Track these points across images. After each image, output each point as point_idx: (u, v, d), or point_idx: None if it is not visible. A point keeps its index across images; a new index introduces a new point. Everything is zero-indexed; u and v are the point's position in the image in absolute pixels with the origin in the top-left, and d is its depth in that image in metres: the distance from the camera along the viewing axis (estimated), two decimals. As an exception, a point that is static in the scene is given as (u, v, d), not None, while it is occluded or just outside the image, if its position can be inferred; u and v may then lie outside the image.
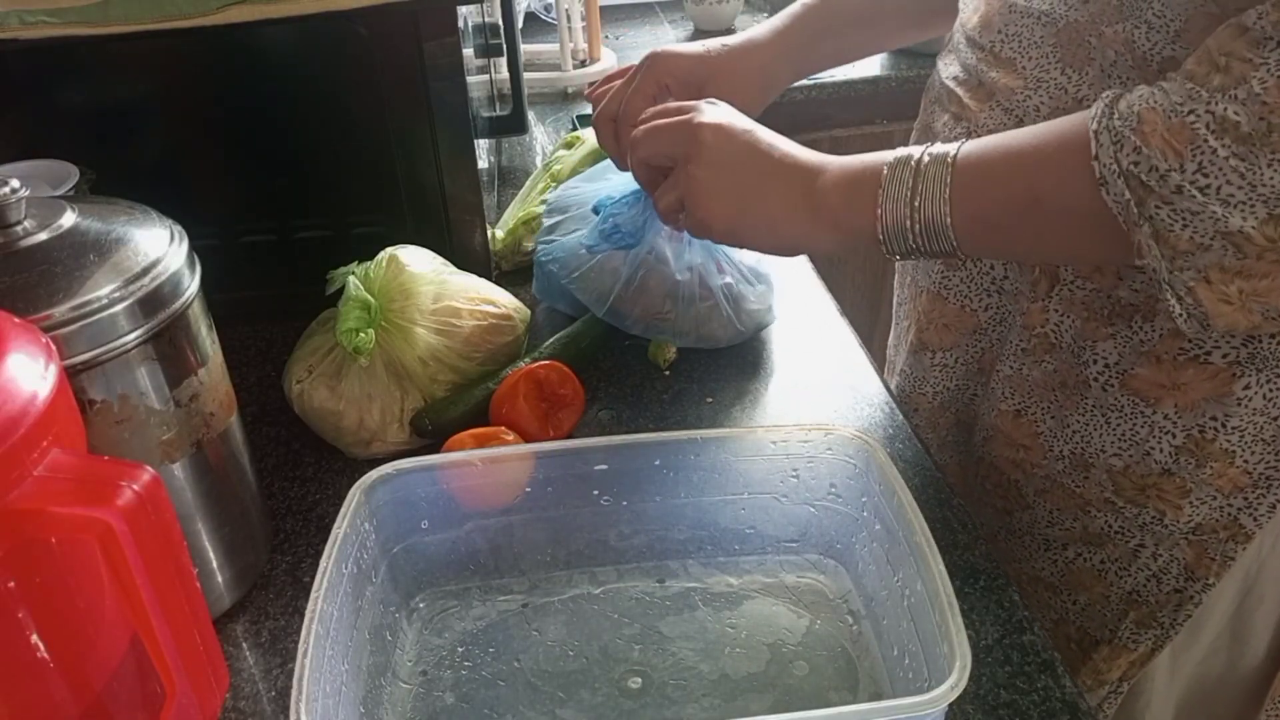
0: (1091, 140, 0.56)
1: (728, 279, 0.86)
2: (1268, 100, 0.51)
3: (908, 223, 0.62)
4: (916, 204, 0.62)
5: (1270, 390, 0.67)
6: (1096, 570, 0.79)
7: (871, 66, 1.66)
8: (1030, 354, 0.76)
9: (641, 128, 0.72)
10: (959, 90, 0.77)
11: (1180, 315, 0.57)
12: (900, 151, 0.64)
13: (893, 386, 1.00)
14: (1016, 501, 0.82)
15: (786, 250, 0.71)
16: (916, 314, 0.86)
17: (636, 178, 0.76)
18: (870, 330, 1.82)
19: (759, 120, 0.71)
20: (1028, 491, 0.80)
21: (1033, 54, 0.70)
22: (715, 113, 0.70)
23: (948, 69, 0.80)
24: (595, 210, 0.86)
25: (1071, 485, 0.77)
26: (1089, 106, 0.64)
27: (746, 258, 0.89)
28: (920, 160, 0.62)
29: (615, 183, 0.88)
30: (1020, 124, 0.70)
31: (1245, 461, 0.70)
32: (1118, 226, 0.57)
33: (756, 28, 0.87)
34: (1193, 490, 0.72)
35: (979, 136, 0.69)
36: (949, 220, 0.61)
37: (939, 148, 0.62)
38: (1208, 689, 0.84)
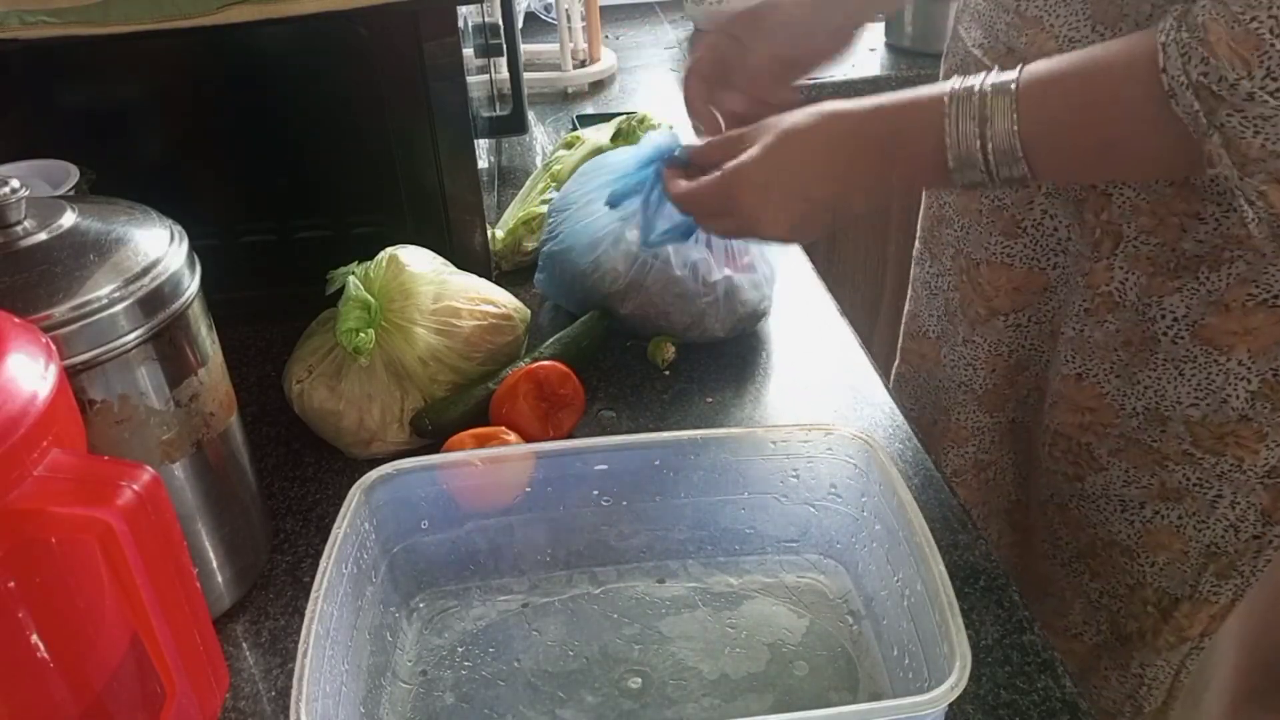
0: (1159, 53, 0.56)
1: (727, 272, 0.86)
2: None
3: (979, 157, 0.62)
4: (987, 138, 0.61)
5: None
6: (1174, 526, 0.79)
7: (872, 66, 1.66)
8: (1093, 314, 0.76)
9: (682, 188, 0.73)
10: (986, 60, 0.76)
11: (1253, 220, 0.57)
12: (955, 84, 0.63)
13: (893, 373, 1.00)
14: (1089, 465, 0.82)
15: (857, 212, 0.70)
16: (977, 285, 0.86)
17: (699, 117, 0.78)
18: (870, 330, 1.82)
19: None
20: (1100, 453, 0.80)
21: (1061, 11, 0.69)
22: (748, 172, 0.68)
23: (970, 34, 0.79)
24: (610, 204, 0.85)
25: (1149, 441, 0.77)
26: None
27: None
28: (982, 94, 0.61)
29: (615, 172, 0.87)
30: None
31: None
32: (1186, 132, 0.57)
33: None
34: (1269, 433, 0.73)
35: None
36: (1018, 141, 0.61)
37: (999, 75, 0.62)
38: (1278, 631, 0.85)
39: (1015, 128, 0.60)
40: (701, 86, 0.80)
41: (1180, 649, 0.85)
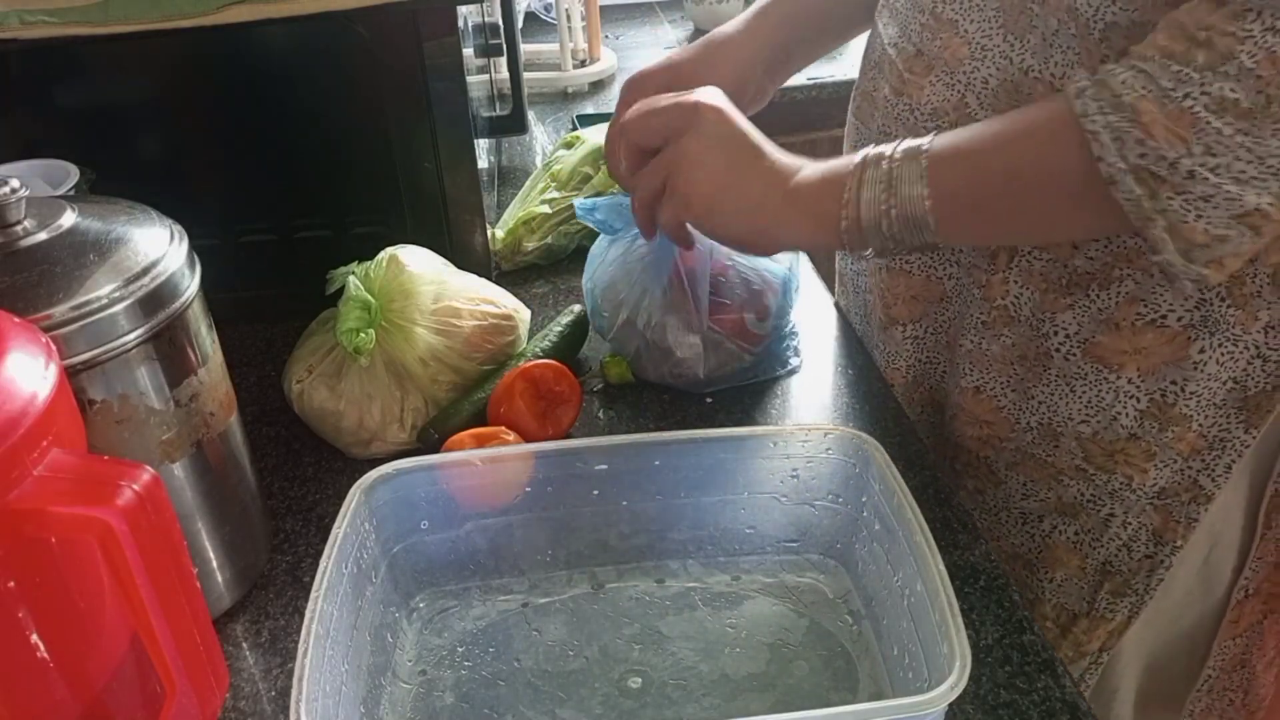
0: (1091, 141, 0.56)
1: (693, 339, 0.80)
2: (1262, 74, 0.51)
3: (884, 215, 0.63)
4: (893, 198, 0.62)
5: (1221, 355, 0.69)
6: (1071, 543, 0.80)
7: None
8: (990, 327, 0.76)
9: (635, 109, 0.72)
10: (898, 61, 0.76)
11: (1189, 290, 0.59)
12: (871, 150, 0.64)
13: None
14: (988, 478, 0.82)
15: (759, 240, 0.70)
16: (882, 290, 0.86)
17: (618, 177, 0.75)
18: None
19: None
20: (998, 466, 0.81)
21: (975, 17, 0.69)
22: (713, 94, 0.70)
23: (886, 30, 0.79)
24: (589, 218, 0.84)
25: (1043, 455, 0.78)
26: (1034, 77, 0.65)
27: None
28: (893, 155, 0.63)
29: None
30: (964, 99, 0.70)
31: (1200, 425, 0.72)
32: (1099, 198, 0.57)
33: (726, 25, 0.85)
34: (1157, 454, 0.74)
35: (920, 112, 0.71)
36: (926, 205, 0.61)
37: (910, 142, 0.63)
38: (1180, 642, 0.86)
39: (924, 193, 0.61)
40: (621, 161, 0.77)
41: (1079, 663, 0.85)
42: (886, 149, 0.63)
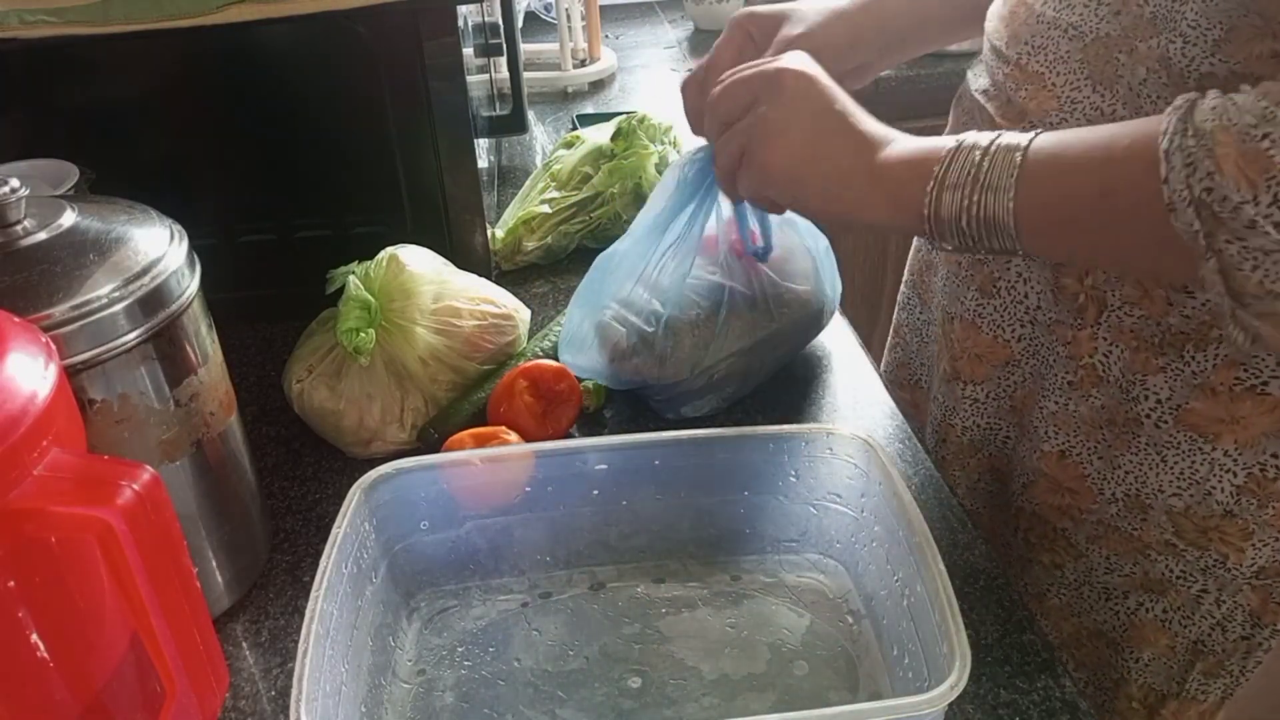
0: (1162, 161, 0.51)
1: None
2: None
3: (964, 210, 0.58)
4: (977, 195, 0.58)
5: None
6: (1160, 620, 0.75)
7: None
8: (1077, 387, 0.71)
9: (721, 82, 0.69)
10: (989, 106, 0.74)
11: (1242, 343, 0.53)
12: (968, 136, 0.60)
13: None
14: (1067, 552, 0.77)
15: (837, 216, 0.66)
16: (949, 341, 0.83)
17: (710, 138, 0.73)
18: (870, 330, 1.82)
19: None
20: (1079, 539, 0.75)
21: (1060, 69, 0.67)
22: (799, 60, 0.66)
23: (977, 80, 0.77)
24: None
25: (1128, 529, 0.72)
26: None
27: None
28: (990, 147, 0.58)
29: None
30: None
31: None
32: (1186, 246, 0.52)
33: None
34: (1255, 532, 0.68)
35: None
36: (1011, 208, 0.57)
37: (1010, 138, 0.58)
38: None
39: (1010, 194, 0.57)
40: (694, 87, 0.77)
41: None
42: (983, 140, 0.59)
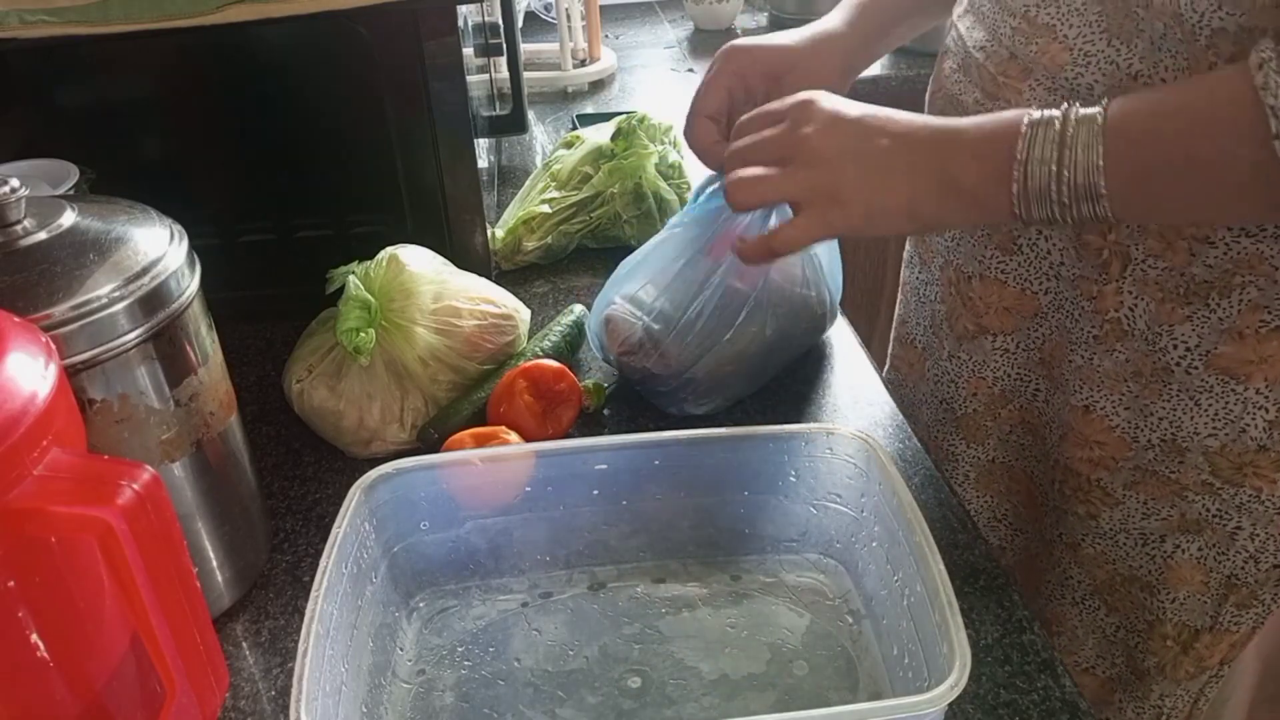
0: (1270, 116, 0.52)
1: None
2: None
3: (1054, 188, 0.58)
4: (1065, 170, 0.58)
5: None
6: (1195, 559, 0.77)
7: (873, 66, 1.66)
8: (1102, 341, 0.74)
9: (739, 145, 0.68)
10: (988, 64, 0.74)
11: None
12: (1036, 113, 0.60)
13: (883, 378, 0.99)
14: (1103, 501, 0.79)
15: (926, 229, 0.67)
16: (969, 300, 0.83)
17: (700, 152, 0.74)
18: (870, 330, 1.82)
19: None
20: (1114, 487, 0.78)
21: (1074, 21, 0.67)
22: (817, 112, 0.65)
23: (971, 34, 0.76)
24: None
25: (1166, 472, 0.75)
26: (1144, 82, 0.62)
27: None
28: (1065, 123, 0.58)
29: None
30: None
31: None
32: (1275, 183, 0.54)
33: (827, 19, 0.83)
34: None
35: None
36: (1102, 182, 0.57)
37: (1083, 110, 0.58)
38: None
39: (1100, 163, 0.57)
40: (710, 126, 0.77)
41: (1200, 678, 0.83)
42: (1055, 113, 0.59)
